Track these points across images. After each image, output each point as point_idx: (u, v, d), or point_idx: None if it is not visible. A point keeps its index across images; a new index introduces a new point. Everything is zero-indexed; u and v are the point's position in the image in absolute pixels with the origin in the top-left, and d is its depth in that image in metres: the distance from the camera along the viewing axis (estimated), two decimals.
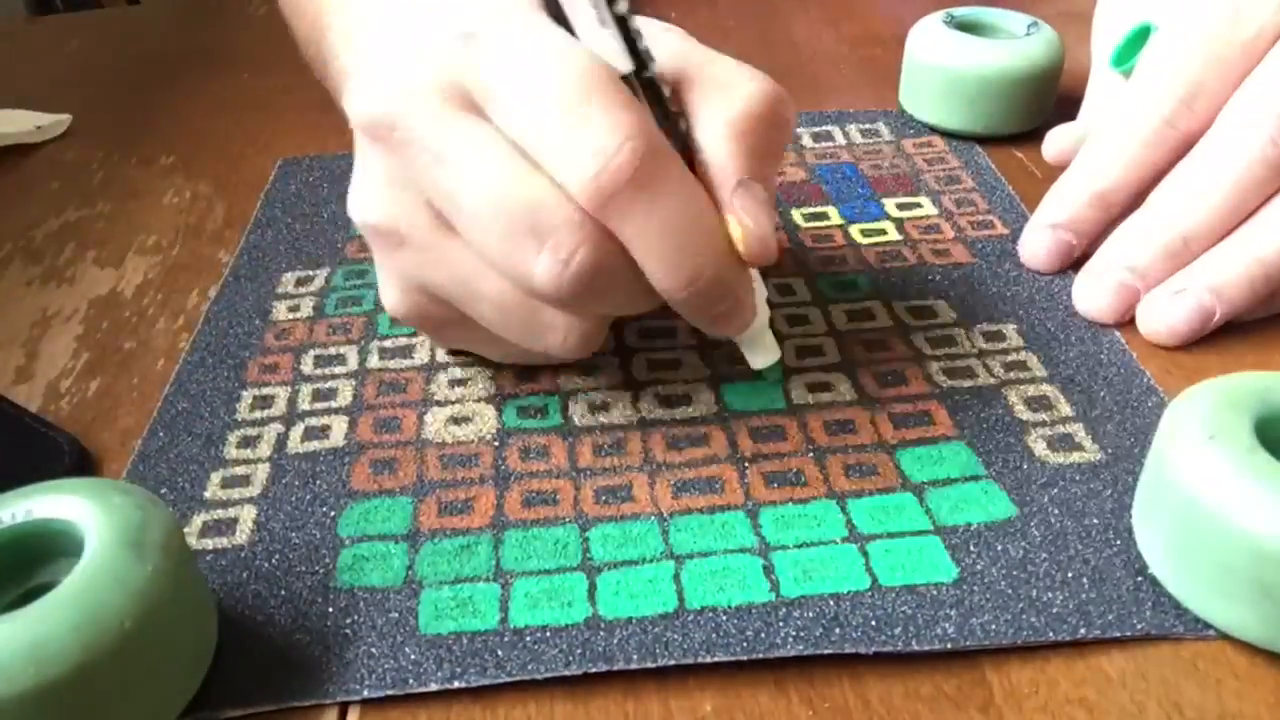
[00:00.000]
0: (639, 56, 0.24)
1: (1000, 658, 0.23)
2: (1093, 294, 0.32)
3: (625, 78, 0.24)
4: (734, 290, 0.25)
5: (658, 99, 0.24)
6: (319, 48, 0.37)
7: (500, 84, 0.23)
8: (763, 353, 0.28)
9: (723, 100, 0.25)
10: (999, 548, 0.25)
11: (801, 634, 0.23)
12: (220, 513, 0.27)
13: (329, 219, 0.39)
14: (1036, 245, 0.34)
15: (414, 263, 0.26)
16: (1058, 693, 0.22)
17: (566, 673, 0.22)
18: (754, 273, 0.27)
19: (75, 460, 0.28)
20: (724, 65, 0.26)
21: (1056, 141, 0.38)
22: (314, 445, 0.29)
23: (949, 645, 0.22)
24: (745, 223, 0.24)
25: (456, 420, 0.29)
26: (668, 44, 0.26)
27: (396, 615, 0.24)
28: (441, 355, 0.32)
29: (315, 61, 0.38)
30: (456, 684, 0.22)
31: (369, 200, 0.26)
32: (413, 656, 0.23)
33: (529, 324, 0.26)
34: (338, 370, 0.32)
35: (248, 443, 0.29)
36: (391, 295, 0.28)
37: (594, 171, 0.22)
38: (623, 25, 0.23)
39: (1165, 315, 0.31)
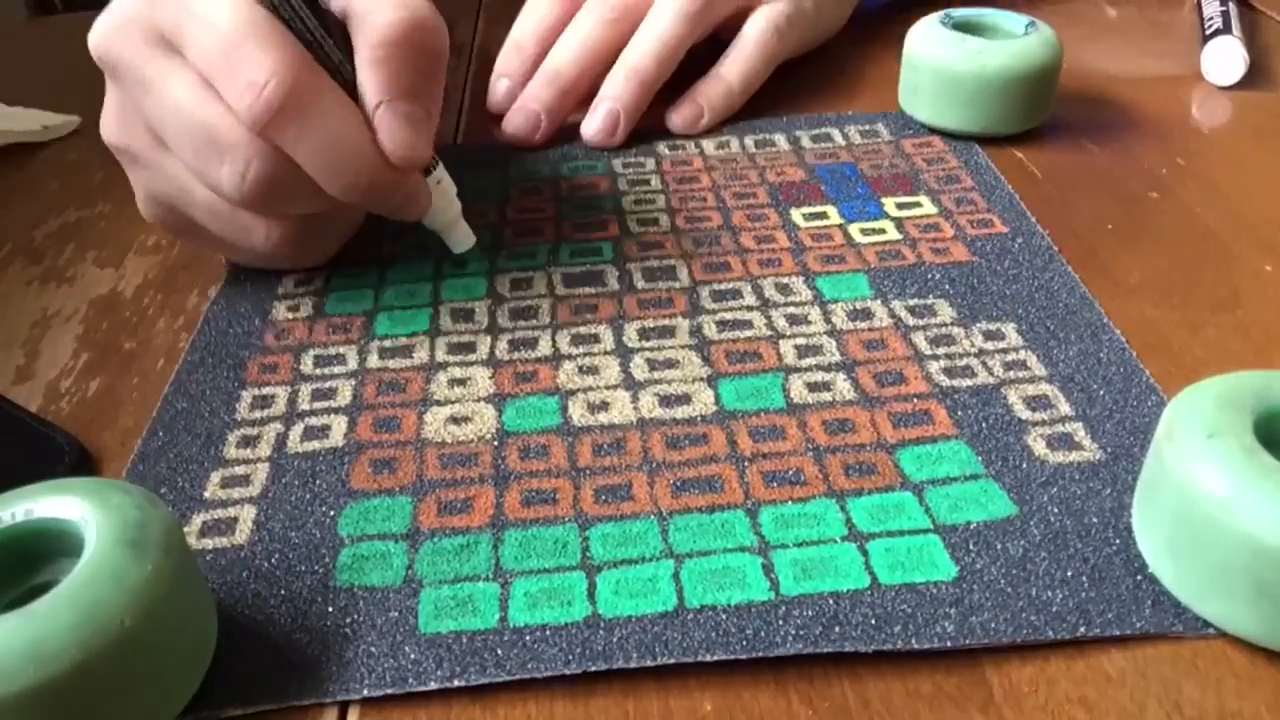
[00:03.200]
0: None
1: (1000, 656, 0.23)
2: (513, 122, 0.44)
3: (291, 19, 0.29)
4: (396, 190, 0.31)
5: (328, 32, 0.30)
6: None
7: (184, 29, 0.28)
8: (458, 240, 0.35)
9: (363, 32, 0.29)
10: (999, 546, 0.25)
11: (801, 633, 0.23)
12: (220, 512, 0.27)
13: None
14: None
15: (145, 176, 0.32)
16: (1057, 691, 0.22)
17: (566, 672, 0.22)
18: (440, 173, 0.33)
19: (75, 460, 0.28)
20: None
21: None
22: (314, 445, 0.29)
23: (949, 644, 0.22)
24: (382, 139, 0.29)
25: (456, 420, 0.29)
26: None
27: (396, 614, 0.24)
28: (441, 355, 0.32)
29: None
30: (456, 683, 0.22)
31: (108, 123, 0.32)
32: (412, 656, 0.23)
33: (234, 226, 0.32)
34: (337, 370, 0.32)
35: (247, 442, 0.29)
36: (141, 205, 0.34)
37: (248, 101, 0.27)
38: None
39: (589, 124, 0.43)
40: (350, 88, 0.30)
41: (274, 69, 0.27)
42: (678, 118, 0.44)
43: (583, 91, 0.44)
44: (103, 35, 0.30)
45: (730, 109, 0.45)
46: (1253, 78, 0.47)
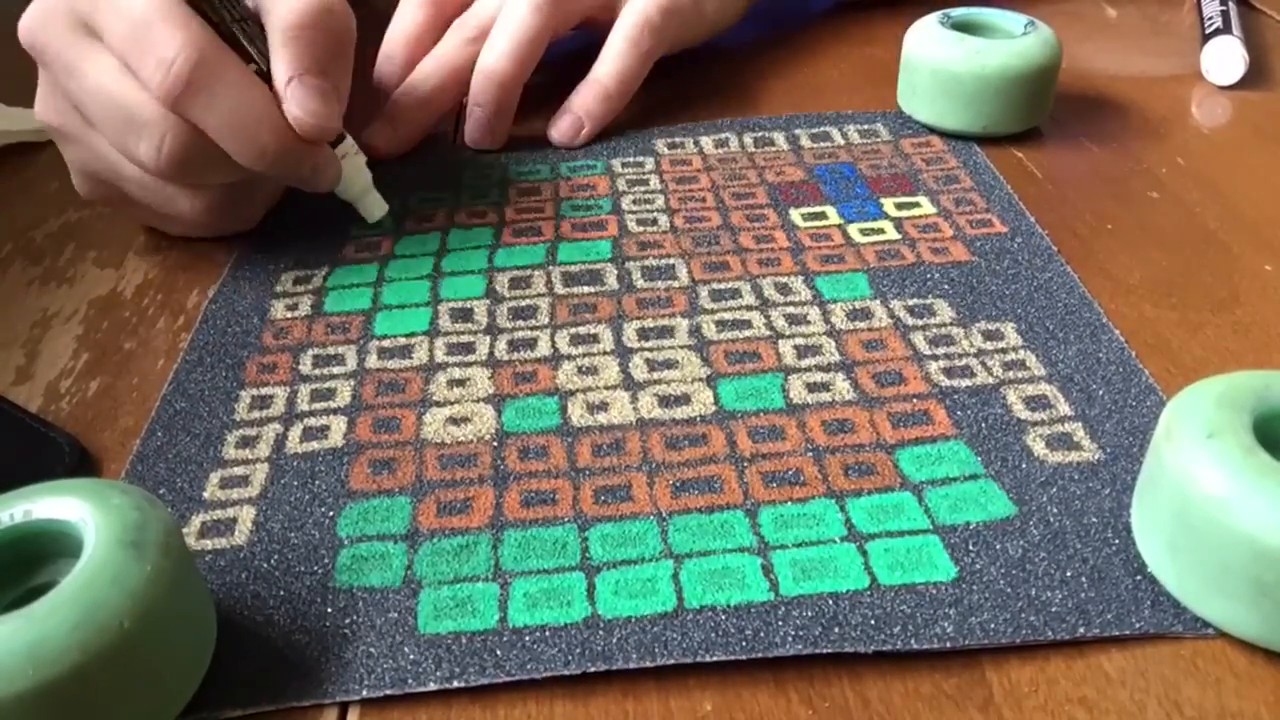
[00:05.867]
0: None
1: (1000, 657, 0.23)
2: (375, 130, 0.43)
3: (201, 3, 0.31)
4: (303, 159, 0.33)
5: (245, 22, 0.33)
6: None
7: (100, 14, 0.31)
8: (369, 208, 0.37)
9: (273, 16, 0.33)
10: (998, 547, 0.25)
11: (801, 633, 0.23)
12: (219, 513, 0.27)
13: (328, 219, 0.39)
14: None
15: (78, 153, 0.35)
16: (1057, 691, 0.22)
17: (566, 672, 0.22)
18: (348, 146, 0.35)
19: (75, 460, 0.28)
20: None
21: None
22: (313, 445, 0.29)
23: (948, 644, 0.22)
24: (291, 111, 0.32)
25: (455, 420, 0.29)
26: None
27: (395, 615, 0.24)
28: (440, 355, 0.32)
29: None
30: (455, 684, 0.22)
31: (40, 105, 0.35)
32: (412, 656, 0.23)
33: (160, 196, 0.34)
34: (336, 370, 0.32)
35: (246, 443, 0.29)
36: (75, 180, 0.37)
37: (159, 78, 0.30)
38: None
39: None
40: (264, 73, 0.32)
41: (181, 47, 0.30)
42: (556, 131, 0.43)
43: (443, 107, 0.43)
44: (29, 25, 0.32)
45: (611, 113, 0.44)
46: (1252, 77, 0.47)
